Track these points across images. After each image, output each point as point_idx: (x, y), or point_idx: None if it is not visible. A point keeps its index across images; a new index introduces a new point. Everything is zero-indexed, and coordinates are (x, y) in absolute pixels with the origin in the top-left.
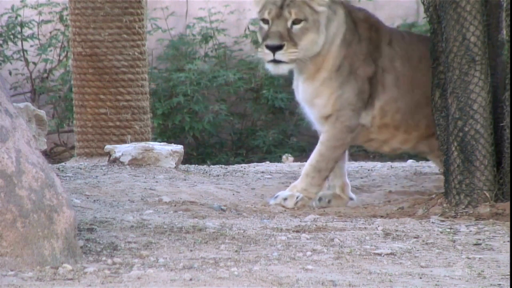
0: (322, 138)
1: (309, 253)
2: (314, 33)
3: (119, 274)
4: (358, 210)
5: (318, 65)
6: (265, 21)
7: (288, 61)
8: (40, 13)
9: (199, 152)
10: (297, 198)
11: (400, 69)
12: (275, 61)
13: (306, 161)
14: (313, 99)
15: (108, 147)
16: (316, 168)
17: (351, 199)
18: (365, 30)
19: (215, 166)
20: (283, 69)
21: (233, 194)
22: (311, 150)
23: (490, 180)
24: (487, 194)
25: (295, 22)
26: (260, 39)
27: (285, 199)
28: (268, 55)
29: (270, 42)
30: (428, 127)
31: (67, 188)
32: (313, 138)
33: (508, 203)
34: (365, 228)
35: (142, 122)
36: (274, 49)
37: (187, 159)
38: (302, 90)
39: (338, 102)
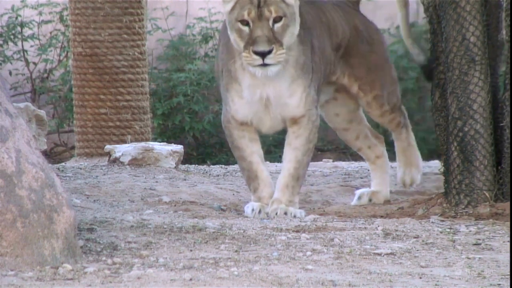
0: (296, 144)
1: (309, 253)
2: (292, 26)
3: (119, 274)
4: (358, 210)
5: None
6: (244, 22)
7: (277, 63)
8: (40, 13)
9: (199, 152)
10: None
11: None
12: (264, 65)
13: None
14: (286, 98)
15: (108, 147)
16: (295, 176)
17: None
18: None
19: (215, 166)
20: (272, 72)
21: (233, 194)
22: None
23: (490, 180)
24: (487, 194)
25: (276, 20)
26: (239, 43)
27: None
28: (256, 60)
29: (260, 48)
30: None
31: (67, 188)
32: None
33: (508, 203)
34: (365, 228)
35: (142, 122)
36: (264, 54)
37: (187, 159)
38: (270, 88)
39: (308, 101)
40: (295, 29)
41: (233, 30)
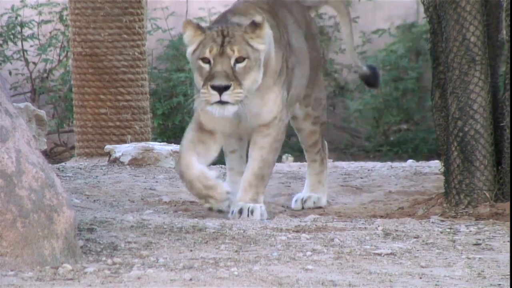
0: (263, 142)
1: (309, 253)
2: (256, 71)
3: (119, 274)
4: (358, 210)
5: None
6: (205, 60)
7: (234, 103)
8: (40, 13)
9: None
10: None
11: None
12: (221, 103)
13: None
14: (261, 108)
15: (108, 147)
16: (259, 176)
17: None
18: (273, 19)
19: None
20: (228, 111)
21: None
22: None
23: (490, 180)
24: (487, 194)
25: (238, 60)
26: (199, 81)
27: (240, 212)
28: (214, 96)
29: (217, 82)
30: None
31: (67, 188)
32: None
33: (508, 203)
34: (365, 228)
35: (142, 122)
36: (221, 89)
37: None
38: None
39: (281, 104)
40: (258, 75)
41: (195, 69)
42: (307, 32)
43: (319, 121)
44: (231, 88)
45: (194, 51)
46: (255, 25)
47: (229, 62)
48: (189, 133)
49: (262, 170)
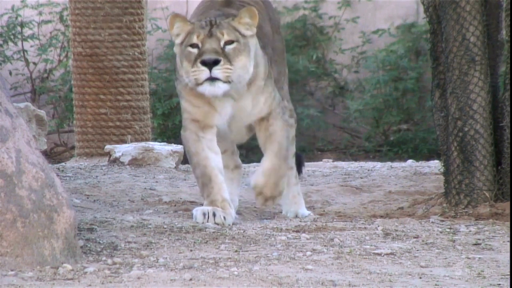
0: (270, 130)
1: (309, 253)
2: (245, 56)
3: (119, 274)
4: (358, 210)
5: (251, 80)
6: (194, 45)
7: (225, 80)
8: (40, 13)
9: None
10: None
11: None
12: (212, 79)
13: (305, 161)
14: (254, 107)
15: (108, 147)
16: (280, 155)
17: None
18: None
19: None
20: (219, 89)
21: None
22: (311, 150)
23: (490, 180)
24: (487, 194)
25: (227, 43)
26: (188, 68)
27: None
28: (204, 72)
29: (206, 56)
30: None
31: (67, 188)
32: (313, 138)
33: (508, 203)
34: (365, 228)
35: (142, 122)
36: (211, 64)
37: (187, 159)
38: (236, 109)
39: (276, 99)
40: (248, 62)
41: (183, 58)
42: (272, 23)
43: (293, 115)
44: (221, 63)
45: (182, 41)
46: (243, 13)
47: (218, 43)
48: (192, 136)
49: (281, 152)
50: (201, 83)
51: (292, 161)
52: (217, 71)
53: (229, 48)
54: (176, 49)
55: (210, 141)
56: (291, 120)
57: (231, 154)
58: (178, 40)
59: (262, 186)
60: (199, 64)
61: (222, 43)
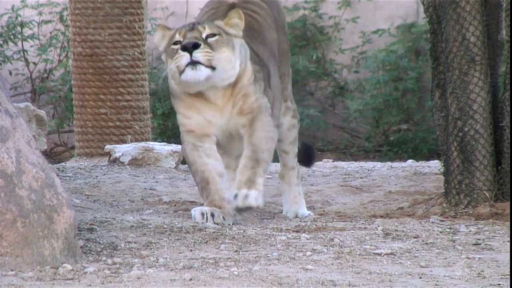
0: (250, 131)
1: (309, 253)
2: (229, 50)
3: (119, 274)
4: (358, 210)
5: (236, 81)
6: (176, 42)
7: (207, 63)
8: (40, 13)
9: None
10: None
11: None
12: (193, 63)
13: None
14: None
15: (108, 147)
16: (253, 158)
17: None
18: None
19: None
20: (201, 72)
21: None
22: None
23: (490, 180)
24: (487, 194)
25: (209, 35)
26: (172, 63)
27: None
28: (184, 57)
29: (186, 41)
30: None
31: (67, 188)
32: (313, 138)
33: (508, 203)
34: (365, 228)
35: (142, 122)
36: (191, 48)
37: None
38: (224, 117)
39: (260, 98)
40: (232, 56)
41: (168, 59)
42: (278, 24)
43: (296, 115)
44: (201, 46)
45: (166, 46)
46: (231, 14)
47: (200, 34)
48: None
49: (256, 154)
50: (183, 70)
51: (294, 161)
52: (198, 54)
53: (211, 39)
54: (163, 57)
55: (208, 149)
56: (293, 120)
57: (233, 171)
58: (162, 47)
59: (237, 182)
60: (179, 51)
61: (204, 35)
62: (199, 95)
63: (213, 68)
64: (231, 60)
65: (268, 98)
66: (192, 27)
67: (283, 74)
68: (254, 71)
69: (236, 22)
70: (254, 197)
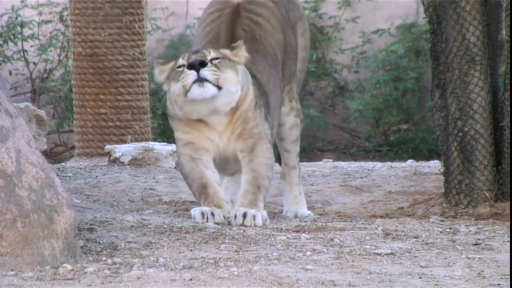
0: (251, 157)
1: (309, 253)
2: (233, 72)
3: (119, 274)
4: (358, 210)
5: (236, 106)
6: (180, 66)
7: (214, 82)
8: (40, 13)
9: None
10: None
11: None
12: (200, 81)
13: (305, 161)
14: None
15: (108, 147)
16: (254, 184)
17: None
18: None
19: None
20: (208, 90)
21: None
22: (311, 150)
23: (490, 180)
24: (487, 194)
25: (214, 58)
26: (175, 84)
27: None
28: (191, 75)
29: (193, 59)
30: None
31: (67, 188)
32: (313, 138)
33: (508, 203)
34: (365, 228)
35: (142, 122)
36: (198, 65)
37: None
38: (222, 143)
39: (261, 124)
40: (236, 81)
41: (170, 82)
42: (285, 23)
43: (300, 115)
44: (208, 65)
45: (168, 74)
46: (237, 46)
47: (205, 56)
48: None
49: (257, 181)
50: (189, 89)
51: (296, 161)
52: (205, 72)
53: (215, 62)
54: (165, 87)
55: (206, 161)
56: (296, 119)
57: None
58: (163, 78)
59: (239, 205)
60: (185, 70)
61: (208, 58)
62: (199, 120)
63: (219, 88)
64: (235, 82)
65: (269, 124)
66: (196, 51)
67: (291, 74)
68: (255, 97)
69: (241, 54)
70: (261, 218)
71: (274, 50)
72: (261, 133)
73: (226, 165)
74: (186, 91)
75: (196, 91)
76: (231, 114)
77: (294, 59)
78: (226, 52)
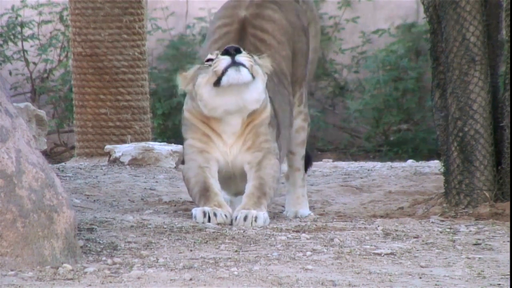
0: (257, 167)
1: (309, 253)
2: (262, 73)
3: (119, 274)
4: (358, 210)
5: (252, 118)
6: (209, 61)
7: (249, 67)
8: (40, 13)
9: None
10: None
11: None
12: (236, 64)
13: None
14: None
15: (108, 147)
16: (260, 189)
17: None
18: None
19: None
20: (244, 75)
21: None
22: (311, 150)
23: (490, 180)
24: (487, 194)
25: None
26: (204, 77)
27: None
28: (224, 60)
29: (227, 46)
30: None
31: (67, 188)
32: (313, 138)
33: (508, 203)
34: (365, 228)
35: (142, 122)
36: (233, 51)
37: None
38: (231, 155)
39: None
40: (262, 85)
41: (197, 77)
42: (292, 31)
43: (307, 119)
44: (244, 52)
45: (192, 75)
46: (265, 56)
47: (239, 48)
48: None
49: (263, 187)
50: (223, 73)
51: (301, 163)
52: (241, 58)
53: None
54: (188, 87)
55: (213, 171)
56: (303, 123)
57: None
58: (186, 82)
59: (243, 206)
60: (219, 56)
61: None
62: (215, 124)
63: (253, 76)
64: (263, 81)
65: (279, 146)
66: (227, 48)
67: (302, 79)
68: (271, 116)
69: (267, 64)
70: (262, 219)
71: (280, 67)
72: (270, 148)
73: (231, 182)
74: (219, 78)
75: (232, 74)
76: (244, 125)
77: (304, 65)
78: (255, 56)
